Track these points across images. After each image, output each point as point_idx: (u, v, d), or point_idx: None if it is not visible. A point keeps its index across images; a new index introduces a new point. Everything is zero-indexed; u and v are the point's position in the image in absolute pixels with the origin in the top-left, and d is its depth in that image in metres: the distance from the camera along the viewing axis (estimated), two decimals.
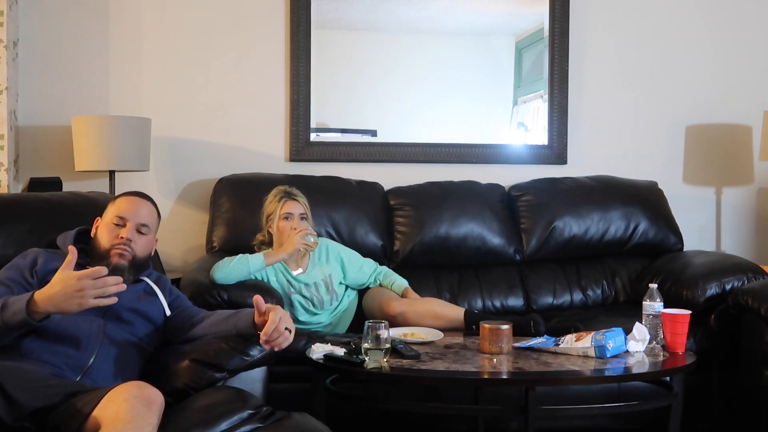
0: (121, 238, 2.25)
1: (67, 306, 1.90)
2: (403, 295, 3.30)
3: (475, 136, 4.08)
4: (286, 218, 3.23)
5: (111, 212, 2.32)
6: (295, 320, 3.22)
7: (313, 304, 3.26)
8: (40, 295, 1.92)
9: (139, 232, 2.30)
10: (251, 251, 3.28)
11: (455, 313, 3.13)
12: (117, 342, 2.16)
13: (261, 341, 2.09)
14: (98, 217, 2.37)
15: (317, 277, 3.28)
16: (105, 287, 1.89)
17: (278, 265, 3.25)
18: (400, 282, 3.37)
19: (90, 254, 2.30)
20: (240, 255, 3.11)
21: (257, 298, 2.14)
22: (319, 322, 3.28)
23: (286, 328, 2.08)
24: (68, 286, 1.88)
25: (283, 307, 3.04)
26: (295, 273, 3.27)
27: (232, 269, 3.04)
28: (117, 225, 2.28)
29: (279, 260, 3.19)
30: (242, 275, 3.05)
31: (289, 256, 3.20)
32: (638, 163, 4.18)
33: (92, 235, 2.33)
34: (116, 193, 3.42)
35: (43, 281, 2.07)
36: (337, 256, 3.37)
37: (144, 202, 2.35)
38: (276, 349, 2.10)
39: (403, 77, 4.03)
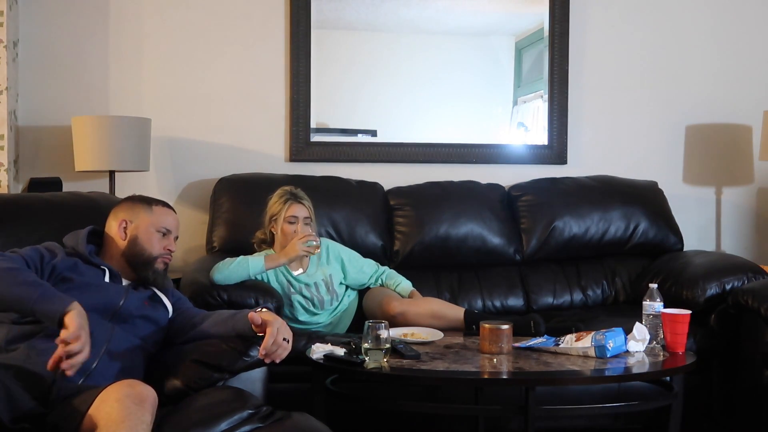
0: (168, 249, 2.38)
1: None
2: (408, 297, 3.29)
3: (475, 136, 4.08)
4: (291, 222, 3.23)
5: (152, 221, 2.36)
6: (295, 320, 3.22)
7: (314, 304, 3.26)
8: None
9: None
10: (251, 251, 3.28)
11: (455, 313, 3.13)
12: (122, 345, 2.16)
13: (260, 356, 2.10)
14: (124, 220, 2.35)
15: (318, 277, 3.28)
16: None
17: None
18: (405, 284, 3.35)
19: (104, 254, 2.32)
20: (241, 257, 3.10)
21: (252, 316, 2.15)
22: (319, 322, 3.28)
23: (284, 339, 2.10)
24: None
25: (283, 307, 3.06)
26: (295, 273, 3.27)
27: (231, 271, 3.03)
28: (164, 235, 2.38)
29: (279, 265, 3.18)
30: (241, 277, 3.05)
31: (289, 262, 3.20)
32: (638, 163, 4.18)
33: (124, 238, 2.33)
34: (116, 194, 3.44)
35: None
36: (338, 257, 3.36)
37: (176, 216, 2.46)
38: (276, 361, 2.11)
39: (403, 77, 4.03)
